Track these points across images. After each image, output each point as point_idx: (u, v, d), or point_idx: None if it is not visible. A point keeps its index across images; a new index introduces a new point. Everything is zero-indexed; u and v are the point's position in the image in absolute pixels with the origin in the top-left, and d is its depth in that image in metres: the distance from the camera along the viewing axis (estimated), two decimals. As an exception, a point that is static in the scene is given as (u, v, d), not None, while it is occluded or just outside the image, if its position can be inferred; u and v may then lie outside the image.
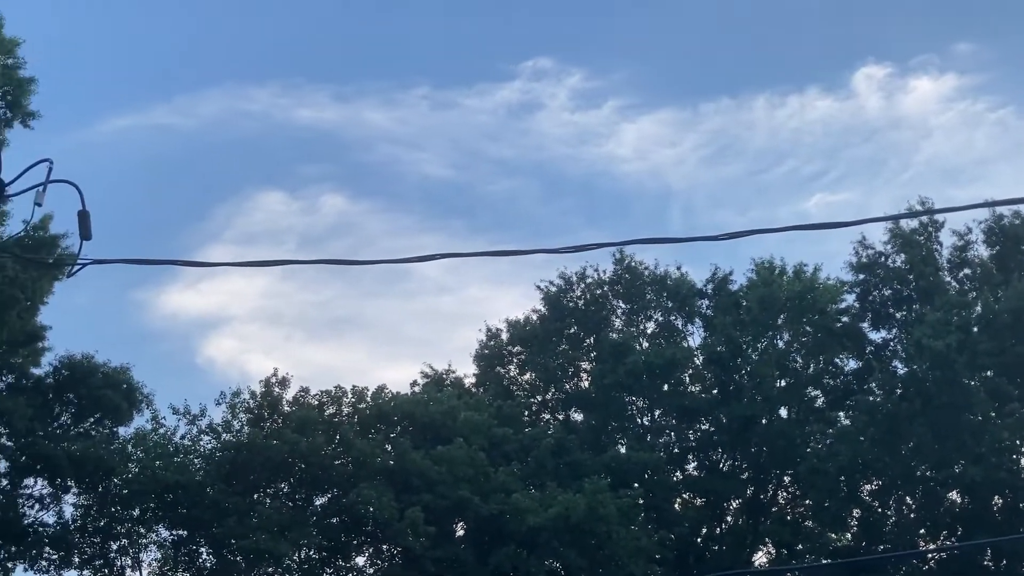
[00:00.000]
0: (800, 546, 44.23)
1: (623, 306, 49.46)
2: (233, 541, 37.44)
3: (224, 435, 39.77)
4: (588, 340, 48.84)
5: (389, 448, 40.05)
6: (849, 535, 44.37)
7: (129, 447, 39.16)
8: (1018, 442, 41.15)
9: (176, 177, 78.25)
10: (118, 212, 59.54)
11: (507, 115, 75.78)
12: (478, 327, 50.92)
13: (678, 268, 48.63)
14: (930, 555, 42.32)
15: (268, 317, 72.01)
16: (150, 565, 39.43)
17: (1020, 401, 40.26)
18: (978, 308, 41.98)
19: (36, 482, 38.55)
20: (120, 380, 38.88)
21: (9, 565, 37.38)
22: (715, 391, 46.43)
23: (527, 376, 49.33)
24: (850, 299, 46.32)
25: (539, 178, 78.25)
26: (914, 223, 44.99)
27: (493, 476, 39.51)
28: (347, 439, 39.12)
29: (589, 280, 49.16)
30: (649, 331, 49.06)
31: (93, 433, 38.95)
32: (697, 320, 48.57)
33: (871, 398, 43.27)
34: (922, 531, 43.13)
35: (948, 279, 44.88)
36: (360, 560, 40.32)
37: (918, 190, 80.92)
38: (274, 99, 75.40)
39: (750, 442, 45.55)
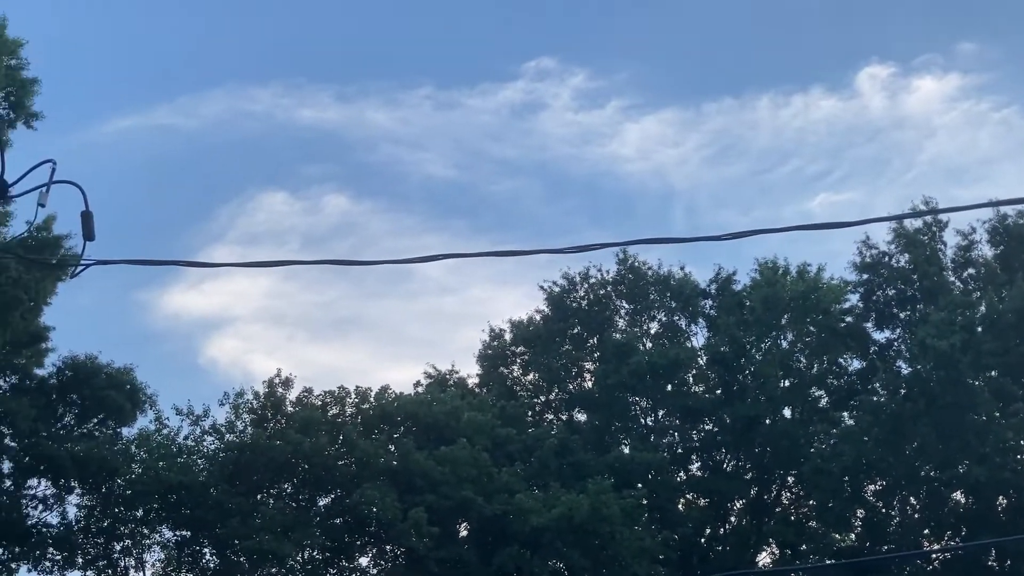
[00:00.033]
0: (804, 546, 44.18)
1: (626, 306, 49.39)
2: (236, 542, 37.45)
3: (227, 436, 39.84)
4: (591, 340, 48.77)
5: (392, 448, 40.03)
6: (853, 535, 44.29)
7: (132, 448, 39.23)
8: (1022, 442, 41.06)
9: (179, 177, 78.43)
10: (121, 213, 59.53)
11: (510, 115, 75.85)
12: (481, 327, 50.98)
13: (681, 268, 48.64)
14: (934, 555, 42.27)
15: (271, 317, 72.15)
16: (153, 566, 39.59)
17: (1024, 401, 40.23)
18: (982, 308, 41.90)
19: (40, 483, 38.69)
20: (123, 381, 38.91)
21: (13, 566, 37.40)
22: (719, 391, 46.36)
23: (530, 376, 49.31)
24: (854, 299, 46.27)
25: (542, 178, 78.26)
26: (918, 223, 44.90)
27: (496, 476, 39.51)
28: (350, 439, 39.13)
29: (592, 280, 49.11)
30: (652, 331, 48.97)
31: (97, 434, 39.00)
32: (700, 320, 48.50)
33: (875, 398, 43.17)
34: (926, 531, 43.08)
35: (952, 279, 44.78)
36: (363, 561, 40.43)
37: (922, 190, 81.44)
38: (276, 99, 75.43)
39: (754, 442, 45.46)
